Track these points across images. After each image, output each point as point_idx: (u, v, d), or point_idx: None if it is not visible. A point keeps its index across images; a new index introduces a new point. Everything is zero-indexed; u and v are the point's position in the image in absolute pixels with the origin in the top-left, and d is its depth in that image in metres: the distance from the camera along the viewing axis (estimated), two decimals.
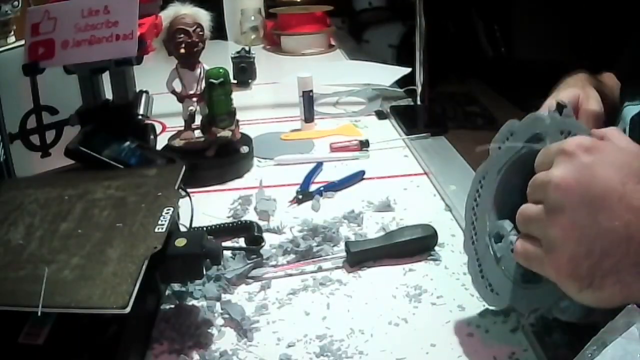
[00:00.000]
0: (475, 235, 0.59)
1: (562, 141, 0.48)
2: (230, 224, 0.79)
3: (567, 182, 0.44)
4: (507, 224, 0.55)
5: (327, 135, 1.14)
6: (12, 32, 0.96)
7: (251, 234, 0.76)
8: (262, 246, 0.74)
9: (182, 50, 0.95)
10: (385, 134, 1.15)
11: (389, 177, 0.96)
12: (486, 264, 0.57)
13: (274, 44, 2.00)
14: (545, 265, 0.46)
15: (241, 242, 0.76)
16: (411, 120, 1.17)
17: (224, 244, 0.75)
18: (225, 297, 0.66)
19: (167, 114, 1.20)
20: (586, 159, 0.45)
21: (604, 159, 0.45)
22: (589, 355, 0.40)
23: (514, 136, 0.55)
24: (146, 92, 0.99)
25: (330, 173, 0.97)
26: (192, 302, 0.66)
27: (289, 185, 0.93)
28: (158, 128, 1.16)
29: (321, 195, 0.88)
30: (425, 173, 0.97)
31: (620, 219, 0.42)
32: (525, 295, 0.53)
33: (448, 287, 0.66)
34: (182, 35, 0.94)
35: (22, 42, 0.88)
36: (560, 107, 0.51)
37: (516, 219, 0.50)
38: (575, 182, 0.44)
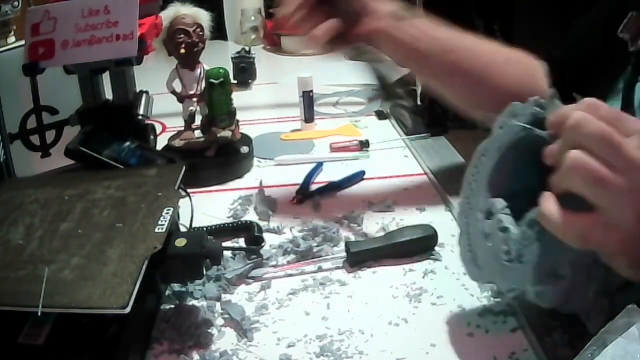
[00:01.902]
0: (470, 210, 0.60)
1: (636, 120, 0.46)
2: (230, 224, 0.79)
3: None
4: (499, 203, 0.55)
5: (327, 135, 1.14)
6: (12, 32, 0.96)
7: (251, 234, 0.76)
8: (262, 246, 0.74)
9: (182, 50, 0.95)
10: (385, 134, 1.15)
11: (389, 177, 0.96)
12: (475, 238, 0.58)
13: (274, 44, 2.00)
14: (609, 238, 0.44)
15: (241, 242, 0.76)
16: (411, 120, 1.17)
17: (224, 244, 0.75)
18: (225, 297, 0.66)
19: (167, 114, 1.20)
20: None
21: None
22: (589, 355, 0.40)
23: (516, 118, 0.55)
24: (146, 92, 0.99)
25: (330, 173, 0.97)
26: (192, 302, 0.66)
27: (289, 185, 0.93)
28: (158, 128, 1.15)
29: (321, 195, 0.88)
30: (425, 173, 0.97)
31: None
32: (505, 274, 0.54)
33: (448, 287, 0.66)
34: (182, 35, 0.94)
35: (22, 42, 0.88)
36: (554, 94, 0.52)
37: (581, 171, 0.44)
38: None
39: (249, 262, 0.71)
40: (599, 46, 0.76)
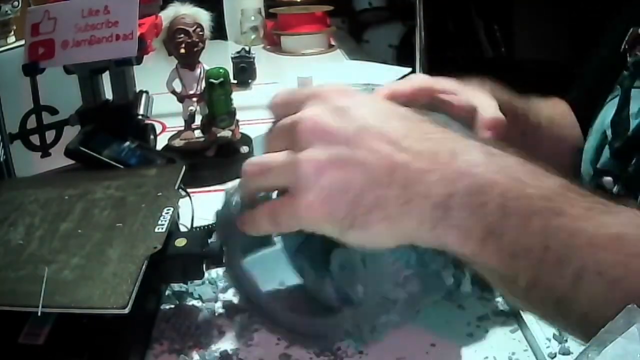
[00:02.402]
0: None
1: (314, 89, 0.46)
2: None
3: (320, 118, 0.42)
4: None
5: None
6: (12, 32, 0.96)
7: None
8: None
9: (182, 50, 0.95)
10: None
11: None
12: None
13: (274, 44, 2.00)
14: (298, 211, 0.42)
15: None
16: None
17: None
18: (225, 296, 0.66)
19: (167, 114, 1.20)
20: (340, 101, 0.43)
21: (359, 101, 0.44)
22: (589, 355, 0.40)
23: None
24: (146, 92, 0.99)
25: None
26: (192, 302, 0.66)
27: None
28: (158, 128, 1.15)
29: None
30: None
31: (378, 152, 0.40)
32: None
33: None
34: (182, 35, 0.94)
35: (22, 42, 0.88)
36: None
37: (248, 174, 0.46)
38: (329, 119, 0.42)
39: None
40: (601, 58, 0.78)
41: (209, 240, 0.60)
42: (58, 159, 0.90)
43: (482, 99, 0.56)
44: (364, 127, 0.41)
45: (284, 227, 0.45)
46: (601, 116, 0.73)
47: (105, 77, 0.95)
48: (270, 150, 0.46)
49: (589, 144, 0.73)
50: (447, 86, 0.58)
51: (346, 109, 0.42)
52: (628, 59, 0.71)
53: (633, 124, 0.67)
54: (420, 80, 0.58)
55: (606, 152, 0.70)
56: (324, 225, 0.42)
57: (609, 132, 0.70)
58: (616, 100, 0.70)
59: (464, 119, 0.54)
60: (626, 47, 0.71)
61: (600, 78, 0.76)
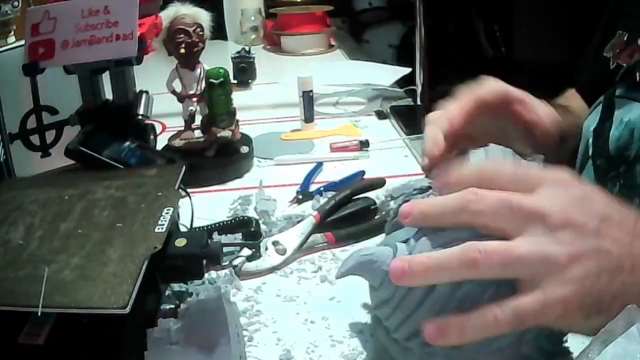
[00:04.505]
0: None
1: (541, 171, 0.47)
2: (229, 221, 0.79)
3: (567, 214, 0.43)
4: None
5: (327, 135, 1.14)
6: (12, 32, 0.96)
7: (249, 229, 0.76)
8: (261, 240, 0.74)
9: (182, 50, 0.95)
10: (385, 134, 1.15)
11: (389, 177, 0.96)
12: None
13: (274, 44, 2.01)
14: (551, 307, 0.42)
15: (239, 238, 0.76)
16: (411, 120, 1.18)
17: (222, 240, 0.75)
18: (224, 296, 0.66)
19: (167, 114, 1.20)
20: (578, 191, 0.45)
21: (593, 190, 0.45)
22: (589, 355, 0.40)
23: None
24: (146, 92, 0.99)
25: (330, 173, 0.97)
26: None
27: (289, 185, 0.93)
28: (158, 128, 1.15)
29: (321, 195, 0.88)
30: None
31: (620, 241, 0.43)
32: None
33: None
34: (182, 35, 0.94)
35: (22, 42, 0.88)
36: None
37: (487, 265, 0.42)
38: (576, 212, 0.43)
39: (239, 254, 0.71)
40: (591, 65, 0.78)
41: (209, 240, 0.60)
42: (58, 159, 0.90)
43: (542, 111, 0.61)
44: (605, 217, 0.43)
45: (527, 326, 0.43)
46: (586, 122, 0.72)
47: (105, 77, 0.95)
48: (484, 231, 0.44)
49: (580, 149, 0.73)
50: (520, 96, 0.62)
51: (586, 197, 0.44)
52: (610, 65, 0.70)
53: (613, 135, 0.66)
54: (499, 87, 0.62)
55: (589, 169, 0.70)
56: (572, 313, 0.42)
57: (590, 141, 0.70)
58: (599, 107, 0.70)
59: (524, 130, 0.59)
60: (611, 53, 0.70)
61: (590, 84, 0.75)
